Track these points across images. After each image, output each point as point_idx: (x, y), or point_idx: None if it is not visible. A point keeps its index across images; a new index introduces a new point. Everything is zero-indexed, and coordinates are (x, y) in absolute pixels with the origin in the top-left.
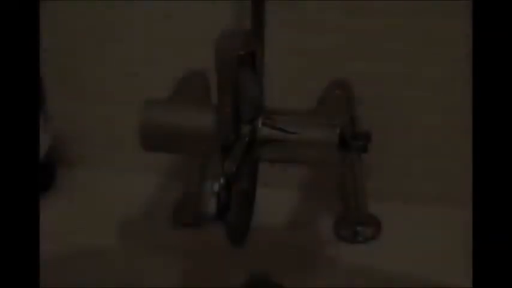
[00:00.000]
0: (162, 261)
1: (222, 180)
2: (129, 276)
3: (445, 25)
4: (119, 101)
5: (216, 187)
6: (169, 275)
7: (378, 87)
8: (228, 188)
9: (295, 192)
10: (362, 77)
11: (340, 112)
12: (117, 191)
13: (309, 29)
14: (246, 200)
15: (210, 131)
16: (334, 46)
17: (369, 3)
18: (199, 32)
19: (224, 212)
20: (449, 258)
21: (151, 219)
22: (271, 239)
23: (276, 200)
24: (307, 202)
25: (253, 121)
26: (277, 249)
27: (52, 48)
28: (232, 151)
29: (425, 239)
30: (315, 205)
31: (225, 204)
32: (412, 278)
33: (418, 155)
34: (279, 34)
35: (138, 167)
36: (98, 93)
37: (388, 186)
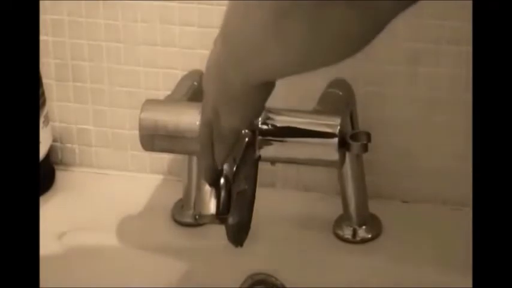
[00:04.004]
0: (162, 261)
1: (221, 180)
2: (129, 276)
3: (445, 24)
4: (118, 101)
5: (216, 187)
6: (169, 275)
7: (378, 87)
8: (228, 188)
9: (295, 192)
10: (362, 77)
11: (340, 112)
12: (117, 191)
13: None
14: (246, 200)
15: None
16: None
17: None
18: (199, 32)
19: (224, 212)
20: (449, 258)
21: (151, 219)
22: (271, 239)
23: (276, 200)
24: (307, 202)
25: (253, 121)
26: (277, 249)
27: (52, 47)
28: (232, 151)
29: (425, 239)
30: (315, 205)
31: (224, 204)
32: (412, 278)
33: (418, 154)
34: None
35: (138, 167)
36: (98, 93)
37: (388, 186)
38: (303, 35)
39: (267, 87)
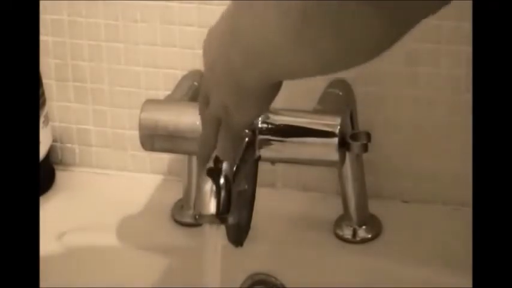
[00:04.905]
0: (162, 261)
1: (221, 180)
2: (129, 276)
3: (445, 24)
4: (118, 101)
5: (216, 187)
6: (169, 275)
7: (378, 87)
8: (228, 188)
9: (295, 192)
10: (362, 77)
11: (340, 112)
12: (117, 191)
13: None
14: (246, 200)
15: None
16: None
17: None
18: (199, 32)
19: (224, 212)
20: (449, 258)
21: (151, 219)
22: (271, 239)
23: (276, 199)
24: (307, 202)
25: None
26: (277, 249)
27: (52, 47)
28: (240, 144)
29: (425, 239)
30: (315, 205)
31: (224, 204)
32: (412, 278)
33: (418, 154)
34: None
35: (138, 167)
36: (98, 93)
37: (388, 186)
38: (325, 40)
39: (279, 83)
